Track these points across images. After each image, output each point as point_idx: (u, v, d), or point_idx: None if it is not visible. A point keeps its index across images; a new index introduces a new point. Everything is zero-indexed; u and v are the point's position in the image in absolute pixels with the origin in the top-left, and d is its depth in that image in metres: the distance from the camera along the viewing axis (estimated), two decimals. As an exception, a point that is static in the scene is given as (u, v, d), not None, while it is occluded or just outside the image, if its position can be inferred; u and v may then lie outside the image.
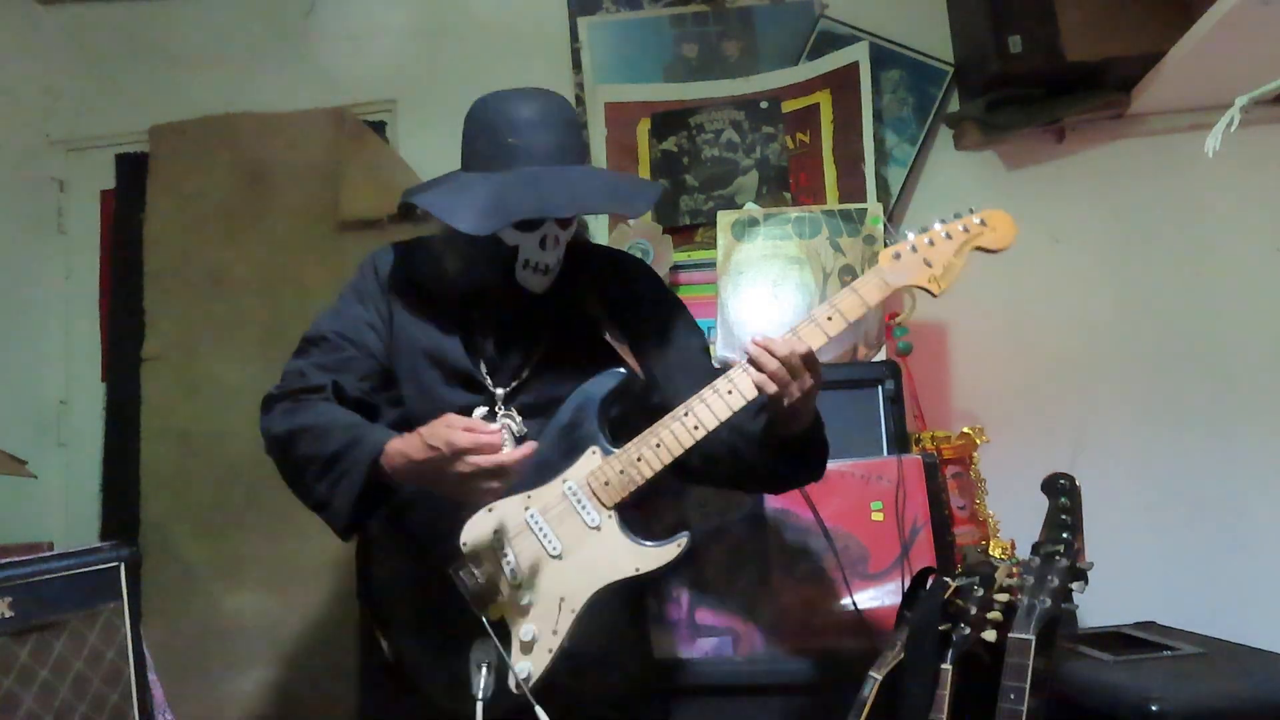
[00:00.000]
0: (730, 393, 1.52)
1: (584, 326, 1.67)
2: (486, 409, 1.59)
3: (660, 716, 1.85)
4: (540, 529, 1.54)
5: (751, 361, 1.49)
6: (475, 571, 1.53)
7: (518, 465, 1.44)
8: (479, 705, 1.36)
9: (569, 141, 1.61)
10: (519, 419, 1.63)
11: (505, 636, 1.49)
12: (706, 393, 1.53)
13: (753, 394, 1.51)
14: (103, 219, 2.86)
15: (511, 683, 1.45)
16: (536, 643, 1.50)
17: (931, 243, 1.56)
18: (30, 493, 2.55)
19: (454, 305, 1.68)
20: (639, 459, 1.53)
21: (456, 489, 1.45)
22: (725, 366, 1.71)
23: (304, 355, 1.66)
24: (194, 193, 2.73)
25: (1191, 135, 2.36)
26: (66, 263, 2.86)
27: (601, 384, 1.58)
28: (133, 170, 2.81)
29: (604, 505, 1.53)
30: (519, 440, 1.60)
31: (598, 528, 1.53)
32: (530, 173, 1.56)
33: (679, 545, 1.51)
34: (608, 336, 1.64)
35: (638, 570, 1.51)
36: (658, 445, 1.53)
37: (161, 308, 2.70)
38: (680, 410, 1.54)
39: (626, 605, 1.68)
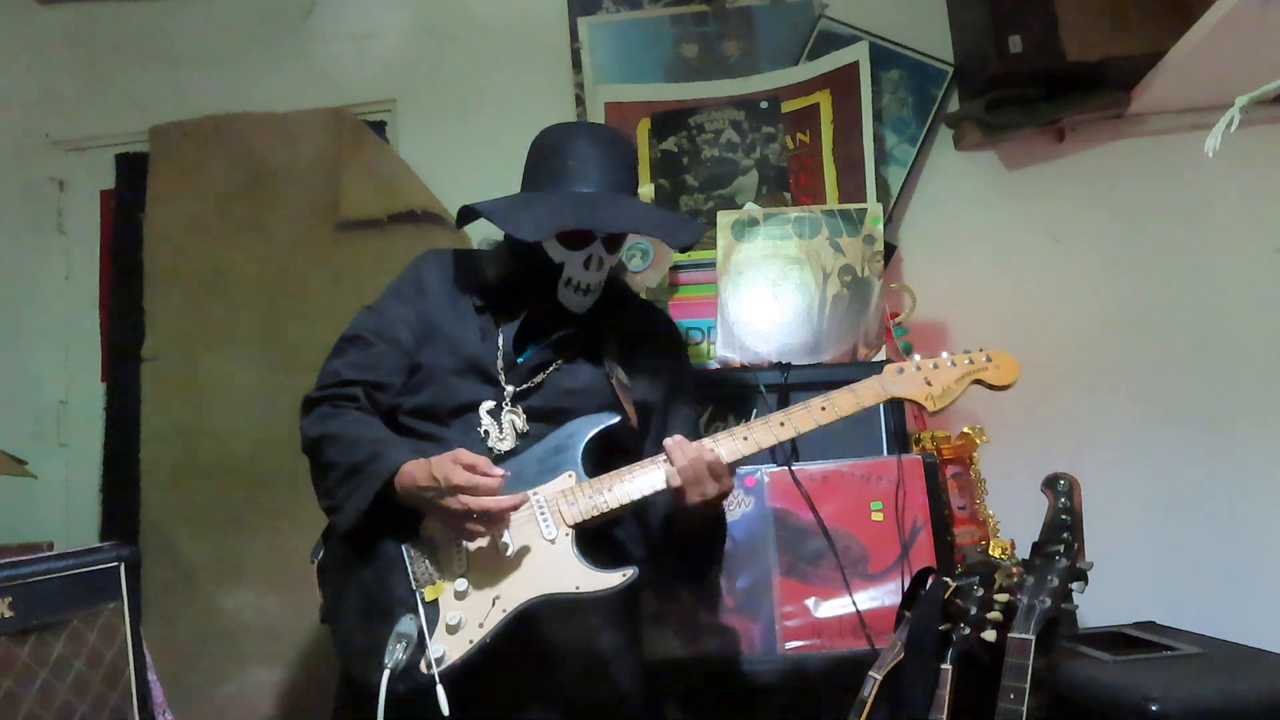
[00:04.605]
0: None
1: (601, 359, 1.74)
2: (494, 402, 1.67)
3: None
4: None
5: (667, 455, 1.59)
6: (425, 550, 1.58)
7: (504, 514, 1.52)
8: (385, 673, 1.39)
9: (623, 175, 1.72)
10: (524, 418, 1.67)
11: (434, 618, 1.53)
12: (647, 462, 1.62)
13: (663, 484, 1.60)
14: (103, 219, 2.86)
15: (422, 664, 1.47)
16: (460, 630, 1.52)
17: (936, 366, 1.66)
18: (30, 493, 2.56)
19: (489, 309, 1.75)
20: (608, 489, 1.60)
21: (445, 520, 1.54)
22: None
23: (340, 355, 1.74)
24: (194, 193, 2.73)
25: (1191, 135, 2.36)
26: (66, 263, 2.86)
27: (596, 422, 1.66)
28: (133, 170, 2.81)
29: (564, 522, 1.58)
30: (520, 437, 1.66)
31: (552, 540, 1.57)
32: (585, 194, 1.66)
33: (624, 576, 1.55)
34: (614, 381, 1.71)
35: (577, 589, 1.54)
36: (626, 481, 1.61)
37: (161, 308, 2.69)
38: (636, 466, 1.62)
39: (616, 619, 1.68)
